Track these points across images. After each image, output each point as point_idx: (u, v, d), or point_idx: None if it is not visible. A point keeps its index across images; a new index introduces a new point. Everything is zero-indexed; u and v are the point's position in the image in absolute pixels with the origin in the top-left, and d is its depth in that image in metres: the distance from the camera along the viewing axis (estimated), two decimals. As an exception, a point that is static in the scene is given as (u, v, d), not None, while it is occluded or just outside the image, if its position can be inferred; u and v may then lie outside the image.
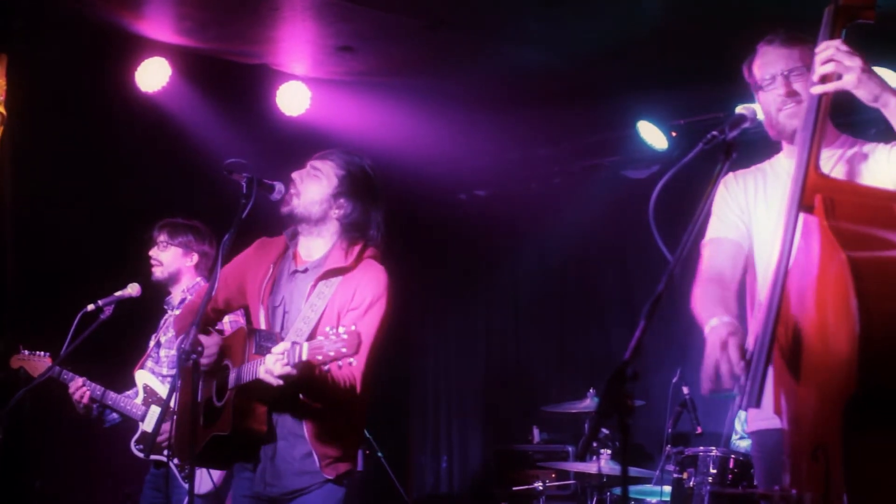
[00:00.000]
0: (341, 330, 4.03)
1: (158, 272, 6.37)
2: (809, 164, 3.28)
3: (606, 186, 9.92)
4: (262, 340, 4.41)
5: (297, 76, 8.54)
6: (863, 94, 3.40)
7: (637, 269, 9.84)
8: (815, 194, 3.18)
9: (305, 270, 4.66)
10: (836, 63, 3.38)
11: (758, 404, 3.14)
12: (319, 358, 4.03)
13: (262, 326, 4.60)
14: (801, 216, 3.21)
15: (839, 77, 3.38)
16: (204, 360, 4.60)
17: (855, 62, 3.37)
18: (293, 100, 8.55)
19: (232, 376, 4.45)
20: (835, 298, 2.96)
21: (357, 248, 4.67)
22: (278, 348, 4.18)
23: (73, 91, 7.59)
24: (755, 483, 4.28)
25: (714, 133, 3.33)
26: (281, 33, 7.77)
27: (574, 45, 7.86)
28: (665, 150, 9.28)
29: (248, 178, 4.52)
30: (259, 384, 4.27)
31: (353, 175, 4.71)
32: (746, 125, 3.40)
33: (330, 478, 4.45)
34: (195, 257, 6.39)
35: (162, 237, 6.36)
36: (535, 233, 10.50)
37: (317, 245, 4.71)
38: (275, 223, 4.86)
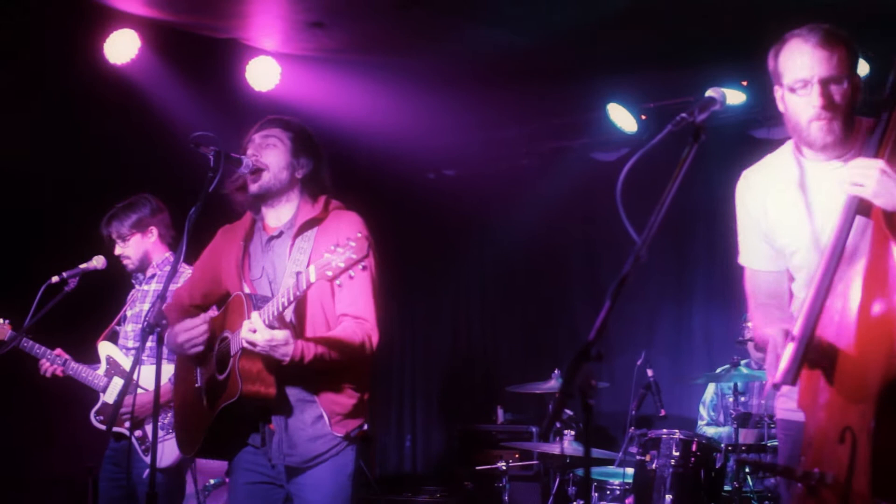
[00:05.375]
0: (349, 241, 4.01)
1: (131, 265, 6.31)
2: None
3: (575, 168, 9.94)
4: (259, 302, 4.41)
5: (268, 51, 8.49)
6: (882, 202, 3.36)
7: (604, 251, 9.88)
8: None
9: (280, 234, 4.67)
10: (856, 179, 3.39)
11: (793, 382, 3.26)
12: (329, 273, 4.01)
13: None
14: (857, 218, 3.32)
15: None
16: (196, 345, 4.62)
17: (870, 176, 3.36)
18: (263, 75, 8.50)
19: (234, 342, 4.43)
20: (880, 297, 3.06)
21: (322, 200, 4.72)
22: (263, 311, 4.25)
23: (42, 61, 7.52)
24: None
25: (683, 115, 3.28)
26: (251, 8, 7.72)
27: (545, 27, 7.85)
28: (634, 133, 9.31)
29: (216, 151, 4.48)
30: None
31: (299, 134, 4.75)
32: (716, 108, 3.36)
33: (340, 435, 4.48)
34: (154, 231, 6.33)
35: (114, 232, 6.29)
36: (503, 213, 10.53)
37: (284, 210, 4.71)
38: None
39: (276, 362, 4.33)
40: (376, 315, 4.58)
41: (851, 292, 3.21)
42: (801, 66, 3.65)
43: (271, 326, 4.25)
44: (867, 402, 3.00)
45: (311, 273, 4.09)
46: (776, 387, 3.34)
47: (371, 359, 4.60)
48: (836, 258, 3.27)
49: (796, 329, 3.32)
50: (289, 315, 4.46)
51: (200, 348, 4.62)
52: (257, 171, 4.61)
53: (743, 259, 4.11)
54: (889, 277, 2.99)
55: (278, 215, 4.72)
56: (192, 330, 4.61)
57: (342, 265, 4.00)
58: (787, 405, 3.92)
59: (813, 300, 3.26)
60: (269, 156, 4.65)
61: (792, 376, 3.25)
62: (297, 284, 4.17)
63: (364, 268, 4.10)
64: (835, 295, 3.26)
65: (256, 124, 4.79)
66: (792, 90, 3.68)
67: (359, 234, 4.04)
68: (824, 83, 3.61)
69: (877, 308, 3.05)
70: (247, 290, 4.64)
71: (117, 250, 6.31)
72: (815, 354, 3.30)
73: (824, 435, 3.29)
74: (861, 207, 3.30)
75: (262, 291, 4.61)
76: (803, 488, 3.34)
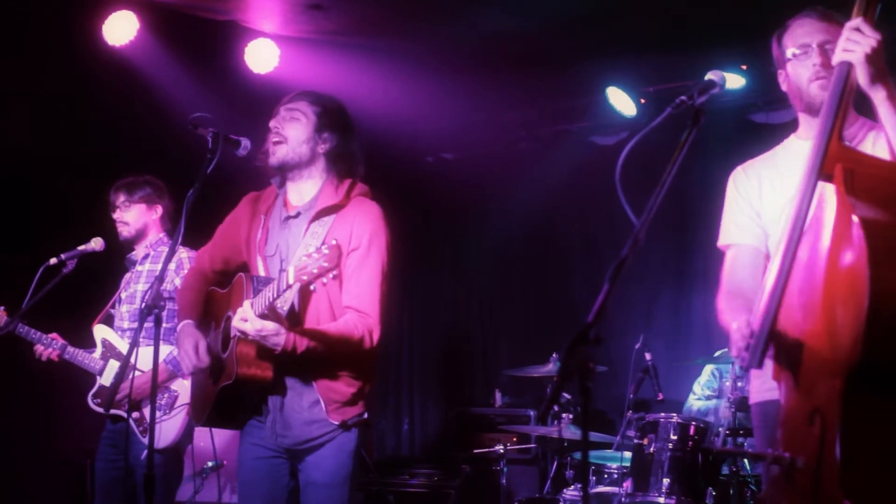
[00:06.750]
0: (323, 247, 4.03)
1: (126, 231, 6.30)
2: (832, 134, 3.30)
3: (574, 152, 9.92)
4: (260, 285, 4.41)
5: (266, 33, 8.47)
6: (860, 76, 3.40)
7: (603, 234, 9.86)
8: (835, 163, 3.20)
9: (297, 215, 4.64)
10: (847, 42, 3.40)
11: (759, 366, 3.20)
12: (305, 278, 4.02)
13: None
14: (819, 185, 3.24)
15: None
16: (194, 364, 4.62)
17: (862, 43, 3.36)
18: (261, 57, 8.48)
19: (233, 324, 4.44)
20: (847, 267, 3.00)
21: (346, 185, 4.67)
22: (255, 301, 4.25)
23: (40, 42, 7.50)
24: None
25: (682, 98, 3.29)
26: (250, -11, 7.73)
27: (545, 10, 7.83)
28: (634, 117, 9.29)
29: (214, 133, 4.48)
30: None
31: (328, 108, 4.71)
32: (715, 91, 3.36)
33: (336, 423, 4.47)
34: (159, 210, 6.36)
35: (121, 198, 6.30)
36: (502, 197, 10.49)
37: (307, 187, 4.69)
38: (241, 178, 4.84)
39: (270, 348, 4.35)
40: (381, 310, 4.55)
41: (817, 263, 3.17)
42: (801, 34, 3.90)
43: (263, 316, 4.25)
44: (836, 377, 2.94)
45: (290, 274, 4.10)
46: (744, 369, 3.33)
47: (375, 352, 4.57)
48: (800, 226, 3.21)
49: (761, 306, 3.28)
50: (288, 303, 4.46)
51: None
52: (275, 144, 4.60)
53: (724, 237, 4.16)
54: (854, 246, 2.94)
55: (300, 193, 4.70)
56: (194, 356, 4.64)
57: (315, 272, 4.02)
58: (763, 385, 3.97)
59: (777, 274, 3.22)
60: (290, 129, 4.62)
61: (757, 358, 3.20)
62: (279, 283, 4.18)
63: (335, 277, 4.12)
64: (800, 268, 3.22)
65: (287, 97, 4.75)
66: (794, 57, 3.89)
67: (333, 242, 4.06)
68: (822, 46, 3.81)
69: (844, 278, 3.01)
70: (259, 264, 4.64)
71: (117, 214, 6.31)
72: (782, 331, 3.26)
73: (796, 414, 3.24)
74: (823, 174, 3.24)
75: (273, 269, 4.59)
76: (779, 472, 3.31)
